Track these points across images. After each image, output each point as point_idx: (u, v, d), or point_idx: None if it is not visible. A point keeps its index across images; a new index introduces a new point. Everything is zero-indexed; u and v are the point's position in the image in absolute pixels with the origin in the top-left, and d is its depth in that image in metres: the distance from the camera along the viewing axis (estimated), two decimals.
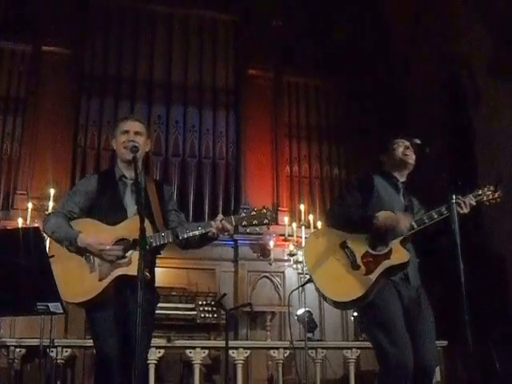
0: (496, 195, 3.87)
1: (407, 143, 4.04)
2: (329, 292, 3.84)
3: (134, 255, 3.41)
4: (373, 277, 3.70)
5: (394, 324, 3.66)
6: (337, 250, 3.85)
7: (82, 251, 3.53)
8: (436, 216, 3.79)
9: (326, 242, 3.95)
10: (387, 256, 3.74)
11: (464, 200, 3.75)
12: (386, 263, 3.72)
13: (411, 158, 4.02)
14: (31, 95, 9.24)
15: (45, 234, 3.65)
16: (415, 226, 3.78)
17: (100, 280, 3.47)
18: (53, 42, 9.40)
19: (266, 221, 3.55)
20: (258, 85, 10.16)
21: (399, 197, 4.04)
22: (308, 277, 4.33)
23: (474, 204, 3.82)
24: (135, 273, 3.06)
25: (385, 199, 3.94)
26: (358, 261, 3.78)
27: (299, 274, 8.52)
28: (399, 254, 3.74)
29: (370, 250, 3.79)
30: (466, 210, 3.75)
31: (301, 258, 8.12)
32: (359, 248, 3.81)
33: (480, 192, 3.88)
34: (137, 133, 3.78)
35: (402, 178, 4.09)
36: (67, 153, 9.13)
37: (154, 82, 9.88)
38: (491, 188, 3.89)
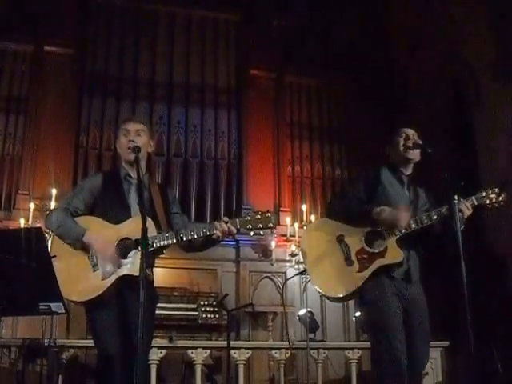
0: (500, 199, 3.83)
1: (409, 132, 4.00)
2: (320, 286, 3.90)
3: (137, 255, 3.41)
4: (365, 274, 3.75)
5: (391, 323, 3.67)
6: (333, 243, 3.88)
7: (87, 248, 3.53)
8: (436, 217, 3.79)
9: (323, 234, 3.98)
10: (382, 254, 3.76)
11: (466, 203, 3.74)
12: (380, 262, 3.75)
13: (411, 153, 3.96)
14: (33, 95, 9.26)
15: (48, 229, 3.67)
16: (413, 226, 3.78)
17: (103, 279, 3.47)
18: (55, 42, 9.41)
19: (270, 224, 3.55)
20: (259, 85, 10.16)
21: (404, 190, 4.02)
22: (304, 267, 4.34)
23: (476, 204, 3.79)
24: (138, 273, 3.05)
25: (390, 193, 3.94)
26: (353, 257, 3.81)
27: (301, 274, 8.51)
28: (394, 252, 3.76)
29: (366, 247, 3.81)
30: (468, 212, 3.74)
31: (301, 252, 8.12)
32: (355, 243, 3.83)
33: (484, 194, 3.83)
34: (138, 133, 3.79)
35: (407, 171, 4.06)
36: (69, 153, 9.13)
37: (155, 81, 9.88)
38: (496, 191, 3.84)
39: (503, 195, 3.84)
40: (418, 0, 9.89)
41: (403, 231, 3.77)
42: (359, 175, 4.37)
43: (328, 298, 3.96)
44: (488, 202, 3.83)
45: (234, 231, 3.55)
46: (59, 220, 3.60)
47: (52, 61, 9.40)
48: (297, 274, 7.10)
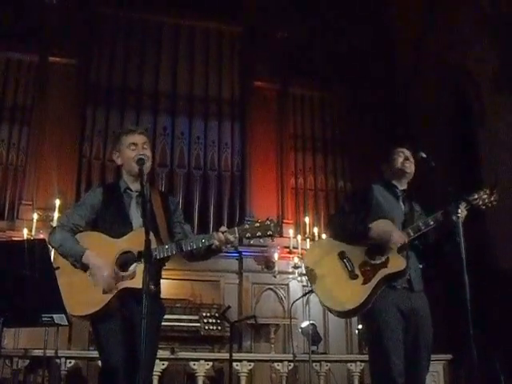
0: (492, 198, 3.90)
1: (407, 153, 4.10)
2: (328, 302, 3.92)
3: (138, 268, 3.41)
4: (370, 286, 3.78)
5: (390, 337, 3.70)
6: (336, 260, 3.93)
7: (87, 267, 3.53)
8: (432, 223, 3.86)
9: (325, 253, 4.03)
10: (384, 265, 3.81)
11: (460, 207, 3.77)
12: (384, 272, 3.79)
13: (410, 168, 4.08)
14: (37, 105, 9.28)
15: (51, 247, 3.67)
16: (411, 234, 3.84)
17: (104, 293, 3.47)
18: (59, 52, 9.44)
19: (269, 232, 3.53)
20: (263, 96, 10.18)
21: (399, 204, 4.10)
22: (310, 287, 4.37)
23: (470, 206, 3.84)
24: (139, 285, 3.06)
25: (385, 207, 4.01)
26: (356, 270, 3.85)
27: (304, 286, 8.49)
28: (396, 262, 3.80)
29: (368, 260, 3.86)
30: (463, 214, 3.76)
31: (305, 271, 8.12)
32: (357, 258, 3.88)
33: (476, 196, 3.89)
34: (144, 146, 3.79)
35: (401, 186, 4.15)
36: (72, 163, 9.14)
37: (159, 92, 9.91)
38: (487, 191, 3.91)
39: (494, 195, 3.90)
40: (420, 13, 9.91)
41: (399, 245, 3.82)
42: (353, 192, 4.45)
43: (336, 312, 3.97)
44: (481, 203, 3.90)
45: (232, 240, 3.55)
46: (60, 239, 3.61)
47: (56, 71, 9.43)
48: (304, 295, 7.06)
